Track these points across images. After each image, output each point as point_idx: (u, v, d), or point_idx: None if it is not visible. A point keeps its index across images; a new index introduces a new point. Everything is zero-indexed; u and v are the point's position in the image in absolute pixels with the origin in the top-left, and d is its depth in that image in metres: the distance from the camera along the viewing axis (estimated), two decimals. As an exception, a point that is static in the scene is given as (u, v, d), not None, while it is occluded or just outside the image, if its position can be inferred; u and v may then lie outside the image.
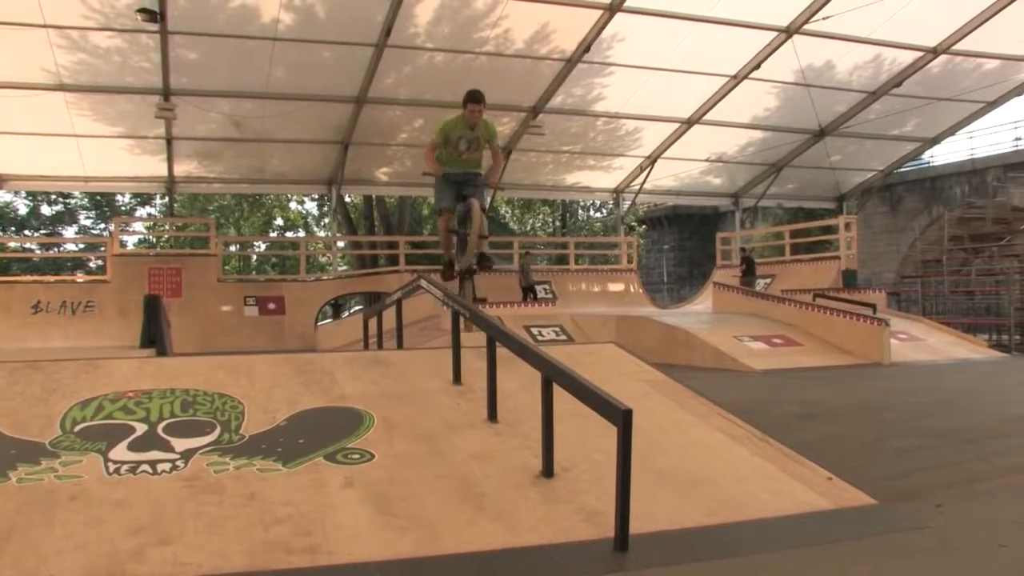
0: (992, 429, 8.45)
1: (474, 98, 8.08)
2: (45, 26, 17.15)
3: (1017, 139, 30.70)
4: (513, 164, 24.76)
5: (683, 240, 44.16)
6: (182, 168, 23.60)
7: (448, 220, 8.69)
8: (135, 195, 40.09)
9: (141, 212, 41.99)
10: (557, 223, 46.17)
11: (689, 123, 24.20)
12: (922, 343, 17.70)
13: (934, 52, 21.78)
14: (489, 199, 9.12)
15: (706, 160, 26.88)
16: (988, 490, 6.03)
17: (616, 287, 25.97)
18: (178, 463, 5.28)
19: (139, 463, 5.23)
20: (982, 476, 6.43)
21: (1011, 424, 8.75)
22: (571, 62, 20.69)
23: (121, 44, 18.21)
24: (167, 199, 27.40)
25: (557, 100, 22.40)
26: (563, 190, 29.12)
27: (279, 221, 44.92)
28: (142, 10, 16.80)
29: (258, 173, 24.96)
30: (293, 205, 44.60)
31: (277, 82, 19.88)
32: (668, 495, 5.20)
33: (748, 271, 24.02)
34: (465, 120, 8.17)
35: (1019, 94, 24.39)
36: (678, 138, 24.93)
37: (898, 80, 22.70)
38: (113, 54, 18.47)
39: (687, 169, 27.40)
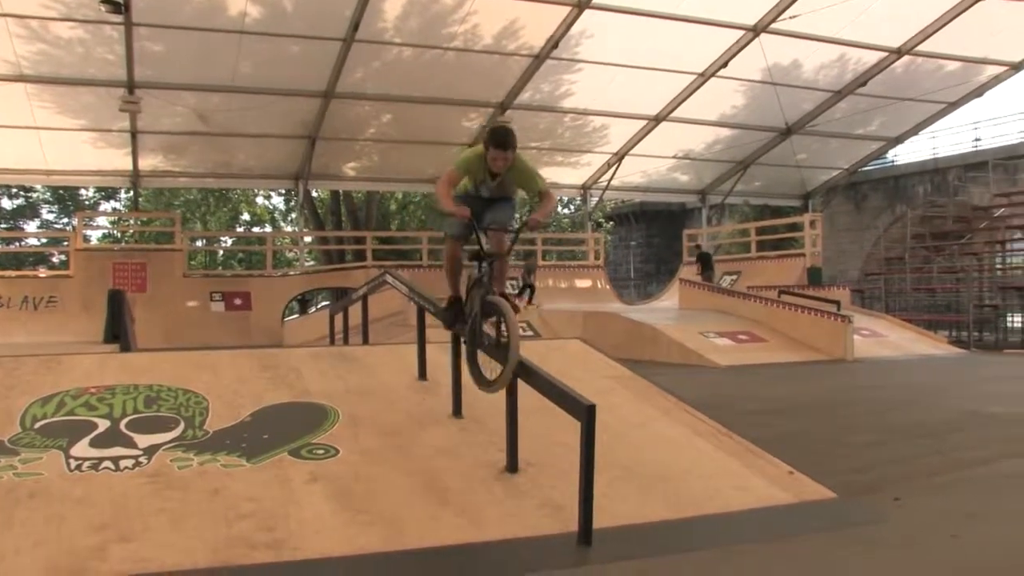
0: (950, 424, 8.59)
1: (499, 142, 5.81)
2: (4, 15, 16.80)
3: (977, 140, 31.16)
4: (481, 160, 24.65)
5: (650, 236, 44.31)
6: (147, 162, 23.30)
7: (456, 248, 6.44)
8: (99, 189, 39.66)
9: (105, 206, 41.59)
10: (525, 219, 46.12)
11: (657, 120, 24.26)
12: (884, 339, 17.91)
13: (898, 53, 21.97)
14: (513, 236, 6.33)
15: (673, 157, 26.92)
16: (945, 483, 6.14)
17: (583, 283, 26.02)
18: (141, 459, 5.26)
19: (101, 459, 5.20)
20: (940, 470, 6.54)
21: (968, 419, 8.90)
22: (539, 58, 20.66)
23: (83, 35, 17.92)
24: (132, 193, 27.11)
25: (525, 96, 22.37)
26: (531, 186, 28.92)
27: (246, 216, 44.59)
28: (106, 1, 16.59)
29: (224, 168, 24.73)
30: (260, 200, 44.24)
31: (244, 76, 19.68)
32: (632, 490, 5.24)
33: (705, 267, 24.19)
34: (487, 165, 5.97)
35: (978, 95, 24.64)
36: (646, 135, 24.98)
37: (863, 80, 22.87)
38: (75, 45, 18.18)
39: (654, 166, 27.45)
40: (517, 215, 6.53)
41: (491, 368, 5.73)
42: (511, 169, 5.97)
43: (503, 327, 5.61)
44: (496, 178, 6.05)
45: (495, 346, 5.70)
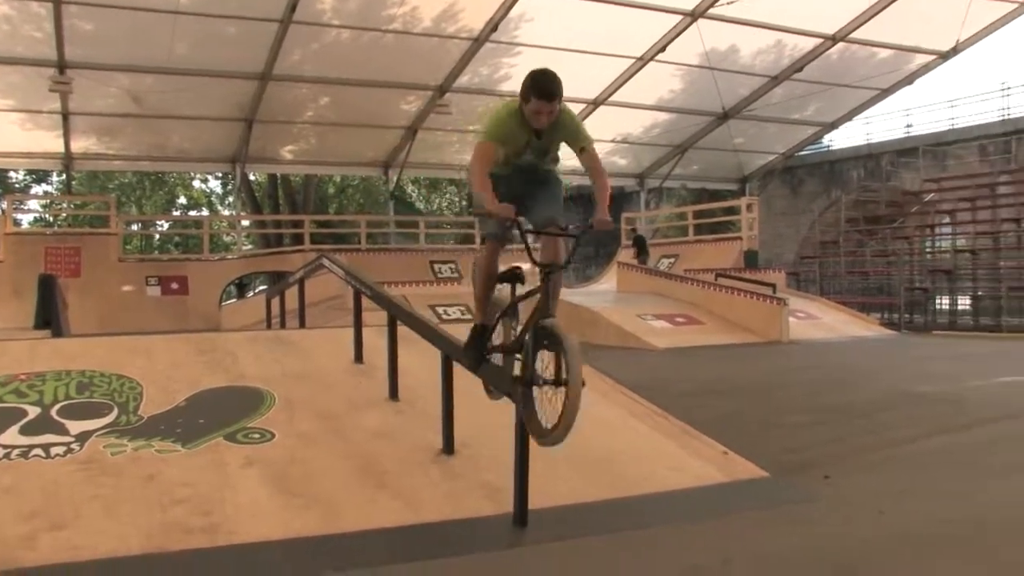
0: (880, 403, 8.79)
1: (543, 91, 4.53)
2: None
3: (908, 126, 31.67)
4: (419, 143, 24.65)
5: (588, 220, 44.42)
6: (79, 144, 22.82)
7: (495, 254, 5.04)
8: (30, 172, 38.70)
9: (36, 190, 40.58)
10: (464, 203, 46.01)
11: (595, 104, 24.31)
12: (819, 321, 18.23)
13: (833, 39, 22.28)
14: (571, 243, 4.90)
15: (612, 141, 27.01)
16: (875, 461, 6.29)
17: (522, 266, 26.02)
18: (73, 446, 5.19)
19: (31, 447, 5.13)
20: (870, 448, 6.70)
21: (897, 398, 9.11)
22: (478, 41, 20.57)
23: (8, 11, 17.31)
24: (64, 176, 26.54)
25: (464, 79, 22.29)
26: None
27: (182, 200, 43.91)
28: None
29: (160, 150, 24.29)
30: (197, 183, 43.60)
31: (179, 57, 19.27)
32: (568, 471, 5.28)
33: (640, 251, 24.38)
34: (527, 121, 4.65)
35: (909, 83, 25.13)
36: (584, 119, 24.66)
37: (799, 65, 23.16)
38: (0, 22, 17.76)
39: (593, 149, 27.56)
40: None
41: (546, 409, 4.48)
42: (555, 124, 4.71)
43: (561, 361, 4.35)
44: (541, 138, 4.75)
45: (553, 383, 4.39)
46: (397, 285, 17.51)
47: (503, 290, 5.12)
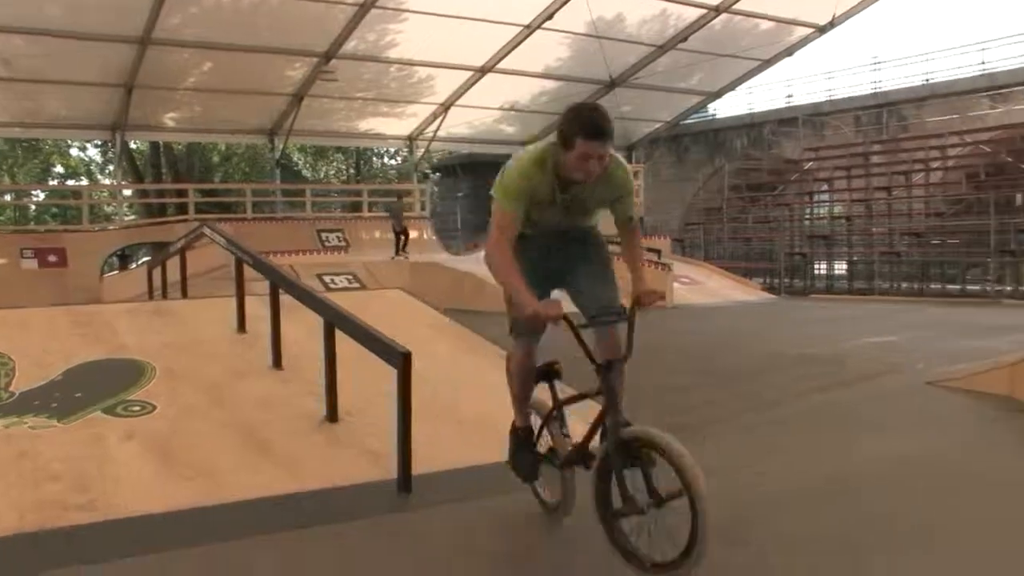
0: (758, 366, 9.09)
1: (595, 128, 3.41)
2: None
3: (789, 96, 32.60)
4: (305, 110, 24.23)
5: (478, 188, 44.20)
6: (-58, 110, 21.87)
7: (527, 352, 4.09)
8: None
9: None
10: (351, 170, 45.56)
11: (483, 71, 24.27)
12: (703, 286, 18.69)
13: (716, 10, 22.66)
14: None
15: (500, 108, 27.10)
16: (754, 423, 6.53)
17: (410, 234, 25.99)
18: (-62, 426, 5.04)
19: None
20: (749, 409, 6.95)
21: (775, 360, 9.44)
22: (364, 7, 20.28)
23: None
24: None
25: (350, 46, 21.92)
26: (356, 137, 28.85)
27: (59, 168, 42.31)
28: None
29: (32, 117, 23.26)
30: (74, 152, 42.03)
31: (51, 18, 18.43)
32: (452, 436, 5.36)
33: None
34: (565, 169, 3.54)
35: (789, 55, 25.79)
36: (471, 86, 24.96)
37: (684, 35, 23.50)
38: None
39: (480, 117, 27.51)
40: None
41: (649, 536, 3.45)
42: (611, 178, 3.66)
43: (659, 473, 3.39)
44: (570, 189, 3.65)
45: (657, 503, 3.37)
46: (284, 254, 17.35)
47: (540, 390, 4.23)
